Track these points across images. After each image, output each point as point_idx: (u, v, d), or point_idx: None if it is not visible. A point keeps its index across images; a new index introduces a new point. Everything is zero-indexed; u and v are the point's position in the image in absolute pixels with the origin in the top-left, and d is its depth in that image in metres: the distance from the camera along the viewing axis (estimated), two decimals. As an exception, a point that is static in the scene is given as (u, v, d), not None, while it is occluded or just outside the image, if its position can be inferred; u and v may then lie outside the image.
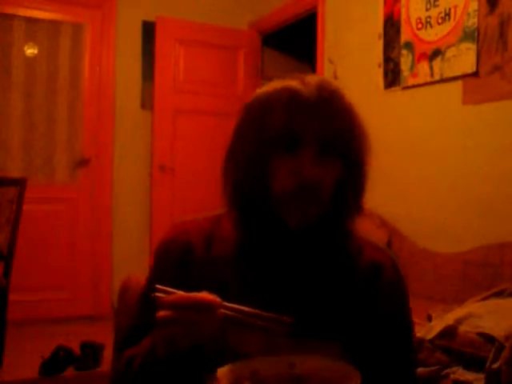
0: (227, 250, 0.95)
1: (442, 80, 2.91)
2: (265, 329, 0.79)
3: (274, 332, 0.79)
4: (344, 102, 0.91)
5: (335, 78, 3.74)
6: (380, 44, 3.32)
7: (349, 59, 3.63)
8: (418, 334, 1.99)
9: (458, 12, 2.81)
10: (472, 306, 2.06)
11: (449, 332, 1.92)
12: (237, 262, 0.94)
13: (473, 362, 1.83)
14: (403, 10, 3.16)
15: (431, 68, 2.97)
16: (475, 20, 2.71)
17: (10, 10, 4.07)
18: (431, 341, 1.94)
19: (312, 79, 0.91)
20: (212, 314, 0.76)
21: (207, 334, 0.77)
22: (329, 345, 0.88)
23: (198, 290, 0.80)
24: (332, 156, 0.89)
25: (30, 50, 4.16)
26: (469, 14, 2.74)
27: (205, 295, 0.77)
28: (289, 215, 0.89)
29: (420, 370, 1.94)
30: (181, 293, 0.78)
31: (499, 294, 2.22)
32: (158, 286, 0.80)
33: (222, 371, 0.76)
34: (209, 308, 0.76)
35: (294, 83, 0.90)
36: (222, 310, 0.77)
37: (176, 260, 0.96)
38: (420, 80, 3.04)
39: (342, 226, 0.95)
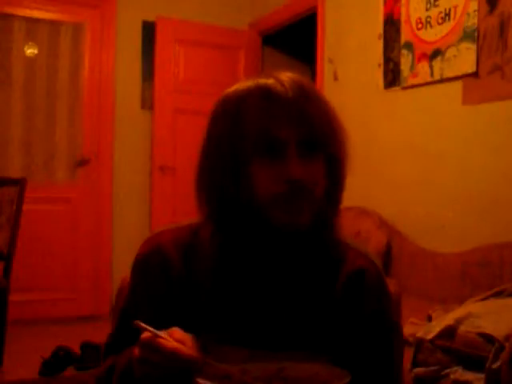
0: (207, 262, 0.91)
1: (442, 80, 2.91)
2: None
3: None
4: (320, 97, 0.87)
5: (335, 78, 3.74)
6: (380, 44, 3.32)
7: (349, 59, 3.63)
8: (418, 334, 1.99)
9: (458, 12, 2.81)
10: (472, 306, 2.06)
11: (449, 332, 1.92)
12: (218, 274, 0.90)
13: (473, 362, 1.83)
14: (403, 10, 3.16)
15: (431, 68, 2.96)
16: (475, 20, 2.70)
17: (10, 10, 4.06)
18: (431, 341, 1.94)
19: (285, 76, 0.86)
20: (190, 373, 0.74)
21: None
22: (316, 356, 0.87)
23: (178, 304, 0.81)
24: (315, 153, 0.85)
25: (30, 50, 4.16)
26: (469, 14, 2.74)
27: (189, 356, 0.74)
28: (279, 218, 0.84)
29: (420, 370, 1.94)
30: (163, 335, 0.75)
31: (499, 294, 2.22)
32: (140, 324, 0.76)
33: (212, 368, 0.76)
34: (188, 370, 0.74)
35: (268, 81, 0.85)
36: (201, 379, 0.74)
37: (154, 276, 0.92)
38: (420, 80, 3.04)
39: (333, 225, 0.92)
